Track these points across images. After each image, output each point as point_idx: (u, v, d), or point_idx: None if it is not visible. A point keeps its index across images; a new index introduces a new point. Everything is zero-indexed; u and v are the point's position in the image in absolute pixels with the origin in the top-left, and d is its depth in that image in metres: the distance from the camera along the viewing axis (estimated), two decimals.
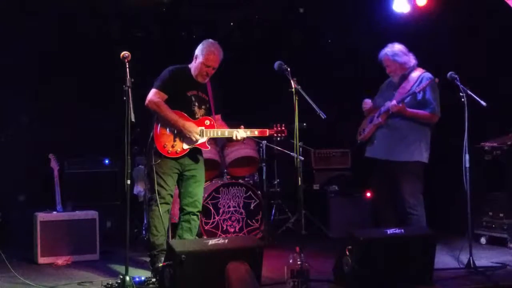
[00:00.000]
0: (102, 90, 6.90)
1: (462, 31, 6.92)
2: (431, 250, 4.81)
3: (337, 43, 8.17)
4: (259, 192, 6.67)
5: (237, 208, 6.52)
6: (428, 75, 5.50)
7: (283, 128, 5.24)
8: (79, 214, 5.94)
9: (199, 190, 5.23)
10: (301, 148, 6.61)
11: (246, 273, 4.15)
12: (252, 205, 6.58)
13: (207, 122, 5.16)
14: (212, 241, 4.39)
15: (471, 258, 5.23)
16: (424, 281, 4.77)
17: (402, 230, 4.78)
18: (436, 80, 5.43)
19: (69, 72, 7.12)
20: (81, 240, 5.84)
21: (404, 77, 5.57)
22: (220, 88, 5.35)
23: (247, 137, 5.24)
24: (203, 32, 7.27)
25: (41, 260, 5.69)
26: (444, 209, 6.74)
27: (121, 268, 5.11)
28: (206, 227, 6.36)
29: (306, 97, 4.79)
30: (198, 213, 5.24)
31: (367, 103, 5.77)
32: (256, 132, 5.22)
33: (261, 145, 6.87)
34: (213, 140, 6.22)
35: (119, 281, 4.51)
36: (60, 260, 5.66)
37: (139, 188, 6.75)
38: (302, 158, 6.36)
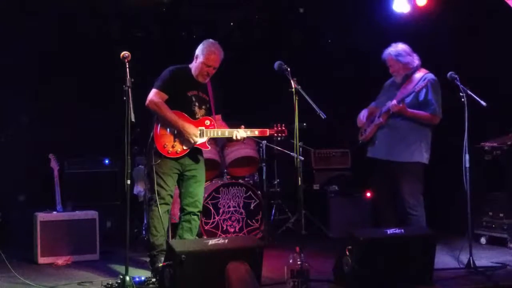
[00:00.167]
0: (102, 90, 6.90)
1: (462, 31, 6.92)
2: (431, 250, 4.81)
3: (337, 43, 8.17)
4: (259, 192, 6.67)
5: (237, 208, 6.53)
6: (431, 76, 5.50)
7: (283, 128, 5.24)
8: (79, 214, 5.95)
9: (199, 190, 5.23)
10: (301, 148, 6.61)
11: (246, 273, 4.15)
12: (252, 205, 6.58)
13: (207, 122, 5.16)
14: (212, 241, 4.38)
15: (471, 258, 5.23)
16: (424, 281, 4.77)
17: (402, 230, 4.78)
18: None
19: (69, 72, 7.13)
20: (81, 240, 5.84)
21: (407, 77, 5.56)
22: (220, 88, 5.35)
23: (247, 137, 5.24)
24: (203, 32, 7.28)
25: (41, 260, 5.69)
26: (444, 209, 6.74)
27: (121, 268, 5.11)
28: (206, 227, 6.36)
29: (306, 97, 4.79)
30: (198, 213, 5.24)
31: (361, 120, 5.74)
32: (256, 132, 5.22)
33: (261, 145, 6.87)
34: (213, 140, 6.22)
35: (119, 281, 4.51)
36: (60, 260, 5.66)
37: (139, 188, 6.75)
38: (302, 158, 6.36)
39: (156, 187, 5.02)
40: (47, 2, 6.81)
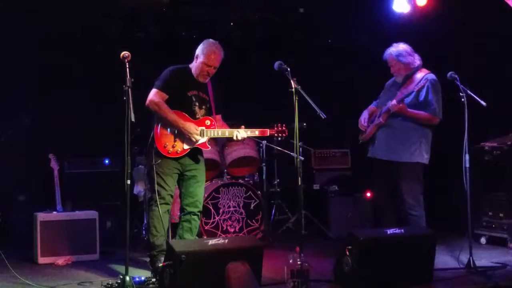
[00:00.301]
0: (102, 90, 6.90)
1: (462, 31, 6.92)
2: (431, 250, 4.81)
3: (337, 43, 8.17)
4: (259, 192, 6.67)
5: (237, 208, 6.52)
6: (431, 76, 5.49)
7: (283, 128, 5.25)
8: (79, 214, 5.95)
9: (199, 190, 5.23)
10: (301, 148, 6.62)
11: (246, 273, 4.15)
12: (252, 205, 6.58)
13: (208, 122, 5.16)
14: (212, 241, 4.39)
15: (471, 258, 5.23)
16: (424, 281, 4.78)
17: (402, 230, 4.78)
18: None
19: (69, 72, 7.12)
20: (81, 240, 5.84)
21: (408, 78, 5.56)
22: (221, 88, 5.35)
23: (247, 137, 5.24)
24: (203, 32, 7.27)
25: (41, 260, 5.69)
26: (444, 209, 6.74)
27: (121, 268, 5.11)
28: (206, 227, 6.36)
29: (306, 97, 4.78)
30: (198, 213, 5.24)
31: (362, 125, 5.74)
32: (256, 132, 5.22)
33: (261, 145, 6.87)
34: (213, 140, 6.22)
35: (119, 281, 4.51)
36: (60, 260, 5.66)
37: (139, 188, 6.75)
38: (302, 158, 6.36)
39: (156, 187, 5.02)
40: (47, 2, 6.80)
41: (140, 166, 6.73)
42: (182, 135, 5.05)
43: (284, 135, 5.26)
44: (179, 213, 5.34)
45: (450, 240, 6.16)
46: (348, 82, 7.85)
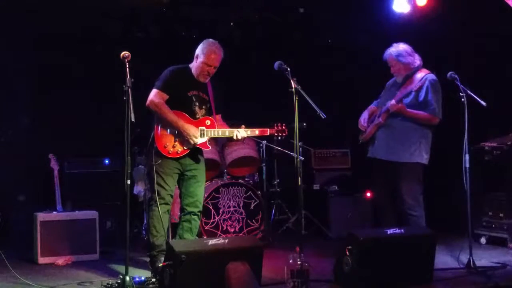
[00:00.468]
0: (102, 90, 6.90)
1: (462, 31, 6.92)
2: (431, 250, 4.81)
3: (337, 43, 8.17)
4: (259, 192, 6.67)
5: (237, 208, 6.52)
6: (431, 76, 5.49)
7: (283, 127, 5.25)
8: (79, 214, 5.95)
9: (200, 190, 5.23)
10: (301, 148, 6.61)
11: (246, 273, 4.15)
12: (252, 205, 6.58)
13: (208, 122, 5.16)
14: (212, 241, 4.39)
15: (471, 258, 5.23)
16: (424, 281, 4.78)
17: (402, 230, 4.78)
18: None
19: (69, 72, 7.12)
20: (81, 240, 5.84)
21: (408, 78, 5.56)
22: (221, 88, 5.34)
23: (247, 137, 5.24)
24: (203, 32, 7.26)
25: (41, 260, 5.69)
26: (444, 209, 6.74)
27: (121, 268, 5.12)
28: (206, 227, 6.36)
29: (306, 97, 4.78)
30: (199, 213, 5.24)
31: (362, 125, 5.74)
32: (256, 132, 5.22)
33: (261, 145, 6.87)
34: (213, 140, 6.22)
35: (119, 281, 4.51)
36: (60, 260, 5.66)
37: (139, 188, 6.75)
38: (302, 158, 6.36)
39: (156, 187, 5.02)
40: (47, 2, 6.80)
41: (140, 166, 6.74)
42: (182, 136, 5.05)
43: (284, 134, 5.26)
44: (179, 213, 5.34)
45: (450, 240, 6.16)
46: (348, 82, 7.85)
